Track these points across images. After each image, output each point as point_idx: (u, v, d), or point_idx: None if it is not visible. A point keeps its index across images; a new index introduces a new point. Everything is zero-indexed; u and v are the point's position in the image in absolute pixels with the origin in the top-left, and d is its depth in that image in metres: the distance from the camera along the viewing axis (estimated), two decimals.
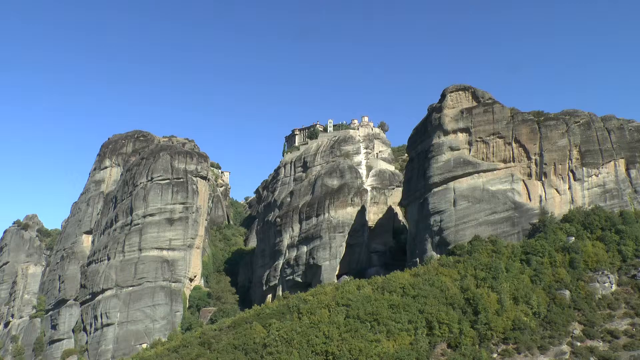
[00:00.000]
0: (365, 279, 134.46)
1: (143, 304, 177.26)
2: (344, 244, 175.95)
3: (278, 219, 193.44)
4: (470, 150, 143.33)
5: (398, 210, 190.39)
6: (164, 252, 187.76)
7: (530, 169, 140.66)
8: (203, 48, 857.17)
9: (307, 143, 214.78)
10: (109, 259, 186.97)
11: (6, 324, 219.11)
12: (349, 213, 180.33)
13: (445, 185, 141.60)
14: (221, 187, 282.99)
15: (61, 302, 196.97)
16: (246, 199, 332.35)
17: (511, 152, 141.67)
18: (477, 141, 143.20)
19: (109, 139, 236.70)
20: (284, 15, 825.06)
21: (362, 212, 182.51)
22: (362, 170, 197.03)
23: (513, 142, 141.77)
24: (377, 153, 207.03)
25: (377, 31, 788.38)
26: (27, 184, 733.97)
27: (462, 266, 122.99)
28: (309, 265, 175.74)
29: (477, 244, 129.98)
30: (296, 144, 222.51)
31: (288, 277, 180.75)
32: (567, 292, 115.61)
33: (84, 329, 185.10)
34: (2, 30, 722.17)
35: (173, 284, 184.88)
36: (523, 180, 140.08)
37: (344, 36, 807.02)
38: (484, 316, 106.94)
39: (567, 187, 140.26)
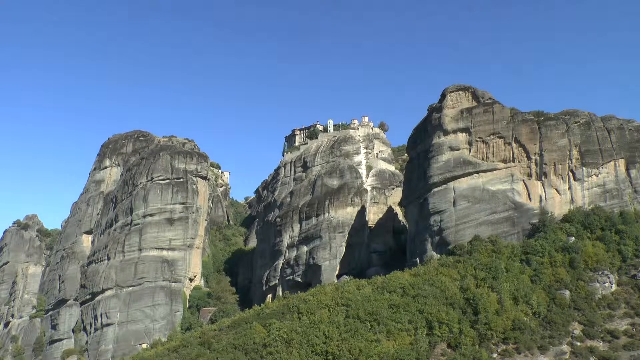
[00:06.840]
0: (365, 279, 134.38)
1: (143, 304, 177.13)
2: (344, 244, 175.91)
3: (278, 219, 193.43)
4: (470, 150, 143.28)
5: (398, 210, 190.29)
6: (164, 252, 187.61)
7: (530, 169, 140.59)
8: (203, 48, 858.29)
9: (307, 143, 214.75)
10: (109, 259, 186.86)
11: (6, 324, 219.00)
12: (349, 213, 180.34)
13: (445, 185, 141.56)
14: (221, 187, 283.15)
15: (61, 302, 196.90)
16: (246, 199, 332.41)
17: (511, 152, 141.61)
18: (477, 141, 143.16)
19: (109, 139, 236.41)
20: (284, 15, 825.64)
21: (362, 212, 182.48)
22: (362, 170, 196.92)
23: (513, 142, 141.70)
24: (377, 153, 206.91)
25: (377, 31, 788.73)
26: (27, 184, 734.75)
27: (462, 266, 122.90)
28: (309, 265, 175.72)
29: (477, 244, 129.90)
30: (296, 144, 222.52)
31: (288, 277, 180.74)
32: (567, 292, 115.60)
33: (84, 329, 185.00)
34: (2, 30, 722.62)
35: (173, 284, 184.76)
36: (523, 180, 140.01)
37: (345, 36, 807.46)
38: (484, 316, 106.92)
39: (567, 187, 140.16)
